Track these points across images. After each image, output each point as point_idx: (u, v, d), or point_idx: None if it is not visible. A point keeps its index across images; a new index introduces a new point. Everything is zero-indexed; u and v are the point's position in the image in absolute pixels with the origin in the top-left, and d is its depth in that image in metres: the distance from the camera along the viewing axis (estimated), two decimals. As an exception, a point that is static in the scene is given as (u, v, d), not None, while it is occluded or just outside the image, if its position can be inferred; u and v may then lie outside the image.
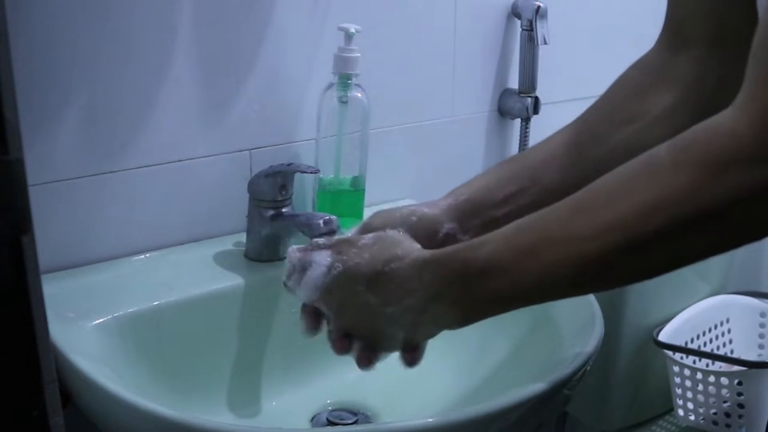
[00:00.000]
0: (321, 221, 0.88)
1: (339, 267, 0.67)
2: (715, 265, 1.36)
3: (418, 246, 0.67)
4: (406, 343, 0.67)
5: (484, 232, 0.64)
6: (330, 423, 0.88)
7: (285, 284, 0.71)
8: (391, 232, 0.69)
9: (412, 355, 0.68)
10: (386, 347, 0.68)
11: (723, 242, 0.55)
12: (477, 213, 0.73)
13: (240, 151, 0.99)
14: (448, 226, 0.73)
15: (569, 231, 0.57)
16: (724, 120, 0.53)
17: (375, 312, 0.65)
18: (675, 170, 0.53)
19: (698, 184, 0.52)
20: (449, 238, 0.72)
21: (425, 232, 0.71)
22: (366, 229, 0.72)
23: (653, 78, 0.78)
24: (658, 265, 0.58)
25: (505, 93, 1.24)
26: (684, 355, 1.24)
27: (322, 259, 0.68)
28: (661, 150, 0.56)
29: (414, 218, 0.72)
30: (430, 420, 0.66)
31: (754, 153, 0.50)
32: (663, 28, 0.80)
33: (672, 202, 0.53)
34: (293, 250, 0.70)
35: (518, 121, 1.25)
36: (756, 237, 0.54)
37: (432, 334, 0.67)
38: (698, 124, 0.54)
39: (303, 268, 0.69)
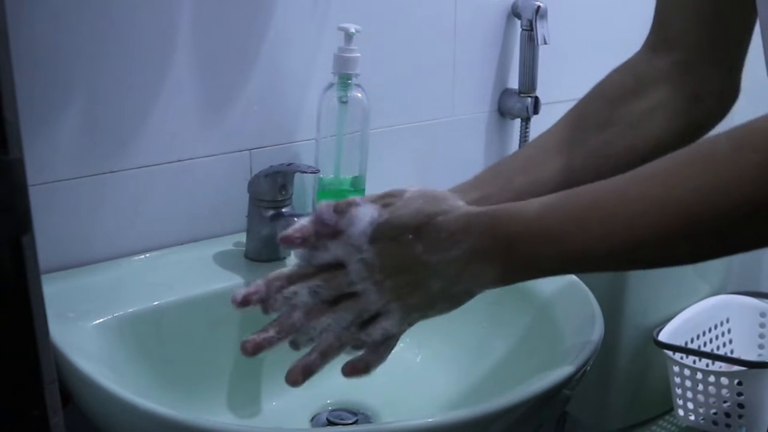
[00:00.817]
0: (321, 221, 0.87)
1: (385, 216, 0.64)
2: (715, 265, 1.36)
3: (463, 203, 0.66)
4: (440, 300, 0.64)
5: None
6: (330, 423, 0.88)
7: (287, 239, 0.67)
8: (435, 190, 0.67)
9: (375, 356, 0.66)
10: (419, 303, 0.64)
11: None
12: None
13: (240, 151, 0.99)
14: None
15: (620, 206, 0.57)
16: None
17: (420, 260, 0.63)
18: (735, 156, 0.53)
19: (759, 170, 0.52)
20: None
21: None
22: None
23: (633, 81, 0.78)
24: (708, 248, 0.58)
25: (505, 93, 1.24)
26: (684, 355, 1.24)
27: (367, 212, 0.65)
28: (721, 137, 0.55)
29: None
30: (430, 420, 0.66)
31: None
32: (649, 31, 0.80)
33: (733, 187, 0.53)
34: (326, 204, 0.66)
35: (518, 121, 1.25)
36: None
37: (471, 292, 0.64)
38: (759, 117, 0.54)
39: (346, 222, 0.65)
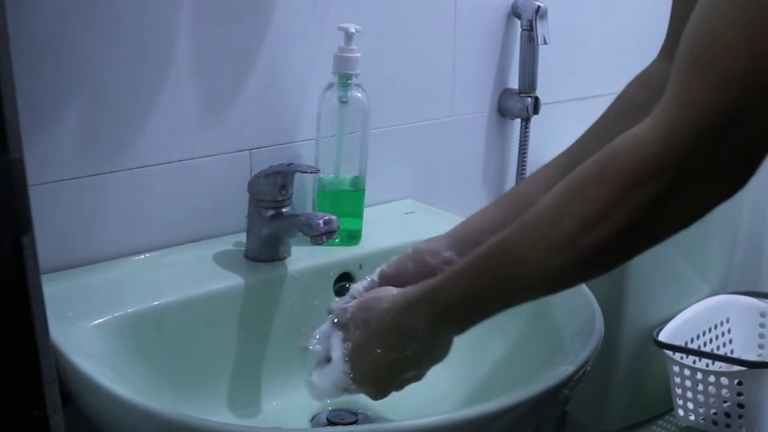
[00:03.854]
0: (321, 221, 0.88)
1: (349, 346, 0.73)
2: (715, 265, 1.36)
3: (395, 291, 0.73)
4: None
5: None
6: (330, 423, 0.88)
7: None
8: (371, 293, 0.76)
9: None
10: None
11: (654, 240, 0.57)
12: (475, 241, 0.76)
13: (240, 151, 0.99)
14: (446, 254, 0.78)
15: (523, 253, 0.62)
16: (639, 132, 0.55)
17: (393, 361, 0.71)
18: (599, 184, 0.56)
19: (618, 198, 0.55)
20: (449, 263, 0.78)
21: (425, 262, 0.78)
22: (381, 275, 0.80)
23: (650, 93, 0.78)
24: (606, 268, 0.61)
25: (505, 93, 1.24)
26: (684, 355, 1.24)
27: (337, 344, 0.74)
28: (590, 163, 0.58)
29: (411, 251, 0.80)
30: (430, 420, 0.66)
31: (662, 162, 0.53)
32: (665, 37, 0.80)
33: (602, 218, 0.56)
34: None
35: (518, 121, 1.25)
36: (683, 227, 0.56)
37: (446, 353, 0.72)
38: (621, 135, 0.56)
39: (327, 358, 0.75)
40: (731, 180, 0.53)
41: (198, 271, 0.91)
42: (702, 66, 0.51)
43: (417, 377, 0.73)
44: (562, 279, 0.63)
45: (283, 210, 0.92)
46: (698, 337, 1.29)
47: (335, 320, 0.75)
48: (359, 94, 0.98)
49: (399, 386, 0.74)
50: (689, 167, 0.52)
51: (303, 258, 0.96)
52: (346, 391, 0.74)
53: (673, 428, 1.34)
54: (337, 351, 0.73)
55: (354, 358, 0.72)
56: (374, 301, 0.73)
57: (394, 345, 0.70)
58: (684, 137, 0.52)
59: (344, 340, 0.73)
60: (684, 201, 0.54)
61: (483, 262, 0.65)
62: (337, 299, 0.79)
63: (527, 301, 0.70)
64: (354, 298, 0.78)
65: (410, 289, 0.71)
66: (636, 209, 0.54)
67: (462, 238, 0.79)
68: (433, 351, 0.71)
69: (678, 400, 1.24)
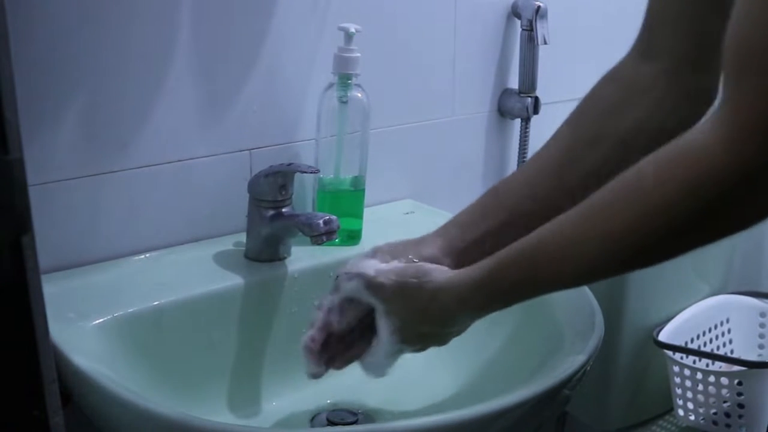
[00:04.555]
0: (321, 221, 0.88)
1: (396, 322, 0.73)
2: (715, 265, 1.36)
3: (440, 274, 0.73)
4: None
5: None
6: (330, 423, 0.88)
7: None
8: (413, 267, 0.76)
9: None
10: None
11: (707, 241, 0.58)
12: (464, 249, 0.79)
13: (240, 151, 0.99)
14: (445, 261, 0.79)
15: (567, 245, 0.63)
16: (698, 137, 0.55)
17: (441, 333, 0.74)
18: (658, 187, 0.57)
19: (680, 202, 0.55)
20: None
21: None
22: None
23: (620, 92, 0.80)
24: (654, 264, 0.63)
25: (505, 93, 1.24)
26: (684, 355, 1.24)
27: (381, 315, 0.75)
28: (648, 165, 0.58)
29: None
30: (430, 420, 0.66)
31: (729, 166, 0.53)
32: (638, 35, 0.80)
33: (658, 218, 0.57)
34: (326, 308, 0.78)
35: (518, 121, 1.25)
36: (738, 231, 0.58)
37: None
38: (679, 139, 0.57)
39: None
40: None
41: (198, 271, 0.91)
42: (755, 66, 0.51)
43: (459, 332, 0.76)
44: (606, 271, 0.64)
45: (283, 210, 0.92)
46: (698, 337, 1.29)
47: (372, 281, 0.75)
48: (359, 94, 0.98)
49: (445, 342, 0.76)
50: (754, 171, 0.52)
51: (303, 258, 0.96)
52: (398, 353, 0.75)
53: (673, 428, 1.34)
54: (384, 327, 0.74)
55: (402, 331, 0.74)
56: (418, 281, 0.74)
57: (443, 325, 0.73)
58: (750, 140, 0.52)
59: (387, 313, 0.74)
60: (747, 205, 0.54)
61: (534, 253, 0.66)
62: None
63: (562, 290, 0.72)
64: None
65: (458, 279, 0.72)
66: (699, 213, 0.55)
67: (456, 249, 0.79)
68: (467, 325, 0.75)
69: (678, 400, 1.24)
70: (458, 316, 0.72)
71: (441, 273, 0.73)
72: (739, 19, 0.53)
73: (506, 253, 0.68)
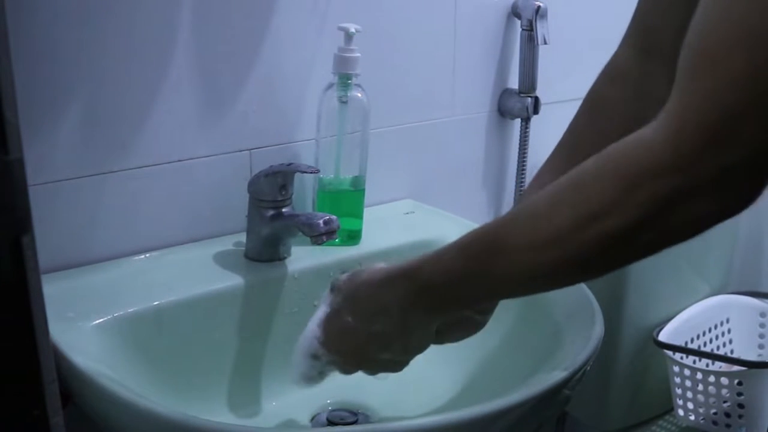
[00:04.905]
0: (321, 221, 0.88)
1: (326, 311, 0.73)
2: (715, 265, 1.36)
3: (381, 265, 0.72)
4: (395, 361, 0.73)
5: None
6: (330, 423, 0.88)
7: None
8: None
9: None
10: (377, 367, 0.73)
11: (654, 246, 0.56)
12: None
13: (240, 151, 0.99)
14: None
15: (514, 243, 0.60)
16: (644, 134, 0.54)
17: (363, 334, 0.71)
18: (597, 183, 0.55)
19: (617, 197, 0.54)
20: None
21: None
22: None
23: (616, 91, 0.79)
24: (597, 270, 0.60)
25: (505, 93, 1.24)
26: (684, 355, 1.24)
27: (318, 310, 0.75)
28: (589, 162, 0.57)
29: None
30: (430, 420, 0.66)
31: (668, 164, 0.51)
32: (633, 30, 0.80)
33: (599, 215, 0.55)
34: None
35: (518, 121, 1.25)
36: (685, 238, 0.55)
37: (422, 344, 0.71)
38: (625, 138, 0.55)
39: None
40: (738, 191, 0.52)
41: (198, 271, 0.91)
42: (706, 67, 0.51)
43: (393, 365, 0.72)
44: (551, 276, 0.60)
45: (283, 210, 0.92)
46: (698, 337, 1.29)
47: (330, 287, 0.75)
48: (359, 94, 0.98)
49: (370, 366, 0.73)
50: (695, 172, 0.51)
51: (303, 258, 0.96)
52: (315, 358, 0.73)
53: (673, 428, 1.34)
54: (315, 316, 0.73)
55: (326, 322, 0.72)
56: (360, 271, 0.73)
57: (367, 316, 0.70)
58: (690, 139, 0.51)
59: (322, 304, 0.73)
60: (687, 208, 0.52)
61: (468, 246, 0.64)
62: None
63: (511, 296, 0.69)
64: None
65: (392, 265, 0.70)
66: (636, 209, 0.53)
67: None
68: (408, 335, 0.70)
69: (678, 400, 1.24)
70: (387, 304, 0.68)
71: (385, 264, 0.72)
72: (698, 19, 0.52)
73: (445, 246, 0.66)
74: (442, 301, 0.67)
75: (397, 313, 0.68)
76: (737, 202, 0.52)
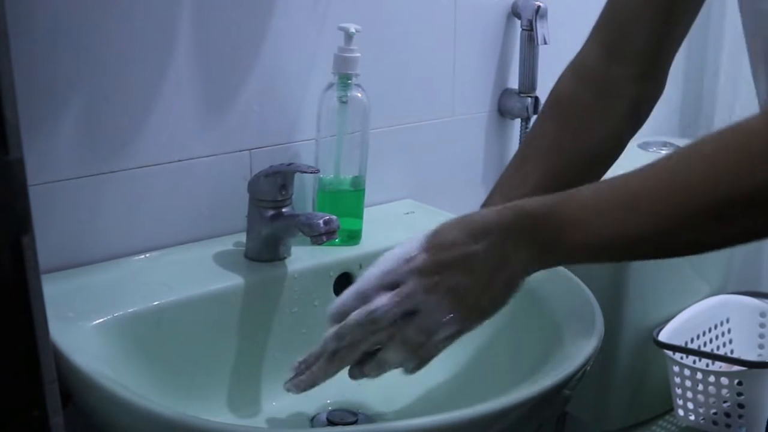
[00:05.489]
0: (321, 221, 0.88)
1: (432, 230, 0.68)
2: (715, 265, 1.36)
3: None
4: (486, 295, 0.67)
5: None
6: (330, 423, 0.88)
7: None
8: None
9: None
10: (472, 302, 0.67)
11: None
12: None
13: (240, 151, 0.99)
14: None
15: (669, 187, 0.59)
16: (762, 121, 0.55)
17: (466, 253, 0.66)
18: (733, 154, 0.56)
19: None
20: None
21: None
22: None
23: (595, 93, 0.81)
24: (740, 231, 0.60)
25: (505, 93, 1.24)
26: (684, 355, 1.24)
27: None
28: (756, 119, 0.57)
29: None
30: (430, 420, 0.66)
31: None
32: (601, 27, 0.81)
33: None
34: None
35: (518, 121, 1.25)
36: None
37: (513, 280, 0.67)
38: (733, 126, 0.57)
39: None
40: None
41: (198, 271, 0.91)
42: None
43: (498, 282, 0.67)
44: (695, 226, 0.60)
45: (283, 210, 0.92)
46: (698, 337, 1.29)
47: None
48: (359, 94, 0.98)
49: (450, 301, 0.67)
50: None
51: (303, 258, 0.96)
52: (402, 266, 0.67)
53: (673, 428, 1.34)
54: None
55: (432, 234, 0.68)
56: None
57: (474, 234, 0.66)
58: None
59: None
60: None
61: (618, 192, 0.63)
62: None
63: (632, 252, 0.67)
64: None
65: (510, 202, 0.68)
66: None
67: None
68: (496, 272, 0.66)
69: (678, 400, 1.24)
70: (510, 251, 0.65)
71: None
72: None
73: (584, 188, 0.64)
74: (563, 255, 0.65)
75: (499, 240, 0.65)
76: None
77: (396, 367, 0.71)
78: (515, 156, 0.86)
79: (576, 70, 0.82)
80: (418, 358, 0.70)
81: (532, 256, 0.66)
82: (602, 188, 0.64)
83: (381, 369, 0.71)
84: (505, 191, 0.81)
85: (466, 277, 0.66)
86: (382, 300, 0.67)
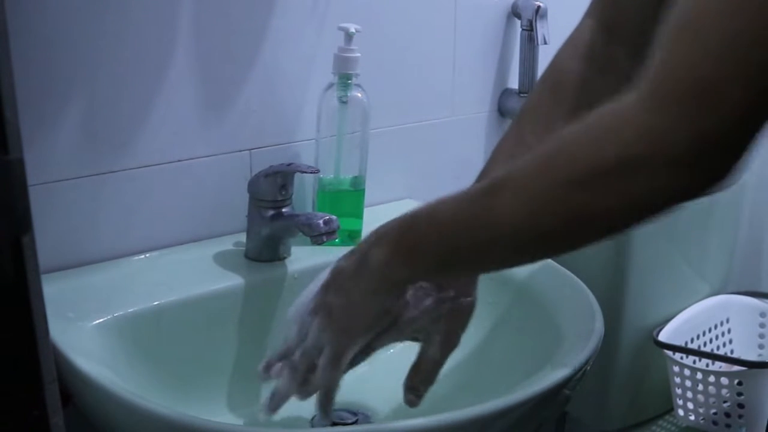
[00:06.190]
0: (321, 221, 0.88)
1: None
2: (715, 265, 1.36)
3: None
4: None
5: None
6: (330, 423, 0.88)
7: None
8: None
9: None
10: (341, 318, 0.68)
11: (620, 217, 0.55)
12: None
13: (240, 151, 0.99)
14: None
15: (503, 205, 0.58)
16: (620, 102, 0.53)
17: (338, 267, 0.69)
18: (567, 145, 0.55)
19: (583, 157, 0.53)
20: None
21: None
22: None
23: (594, 70, 0.78)
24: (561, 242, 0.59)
25: (505, 93, 1.24)
26: (684, 355, 1.24)
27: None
28: (568, 128, 0.56)
29: None
30: (430, 420, 0.66)
31: (634, 130, 0.51)
32: (597, 4, 0.80)
33: (592, 178, 0.53)
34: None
35: (518, 121, 1.25)
36: (654, 211, 0.54)
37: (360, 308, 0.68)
38: (602, 107, 0.55)
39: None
40: (710, 166, 0.50)
41: (198, 271, 0.91)
42: (683, 37, 0.50)
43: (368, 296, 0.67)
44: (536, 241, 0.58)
45: (283, 210, 0.92)
46: (698, 337, 1.29)
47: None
48: (359, 94, 0.98)
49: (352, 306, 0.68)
50: (662, 142, 0.50)
51: (303, 258, 0.96)
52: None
53: (673, 428, 1.34)
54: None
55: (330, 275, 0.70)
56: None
57: (357, 268, 0.67)
58: (665, 109, 0.50)
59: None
60: (651, 178, 0.51)
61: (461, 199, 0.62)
62: None
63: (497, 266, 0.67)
64: None
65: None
66: (602, 170, 0.52)
67: None
68: (356, 282, 0.67)
69: (678, 400, 1.24)
70: (370, 255, 0.65)
71: None
72: None
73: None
74: (421, 253, 0.63)
75: (366, 247, 0.66)
76: (709, 176, 0.51)
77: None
78: (511, 127, 0.83)
79: (575, 46, 0.81)
80: (310, 388, 0.71)
81: (386, 255, 0.65)
82: (467, 189, 0.63)
83: (278, 401, 0.72)
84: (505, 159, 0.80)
85: (339, 295, 0.68)
86: (294, 330, 0.71)
